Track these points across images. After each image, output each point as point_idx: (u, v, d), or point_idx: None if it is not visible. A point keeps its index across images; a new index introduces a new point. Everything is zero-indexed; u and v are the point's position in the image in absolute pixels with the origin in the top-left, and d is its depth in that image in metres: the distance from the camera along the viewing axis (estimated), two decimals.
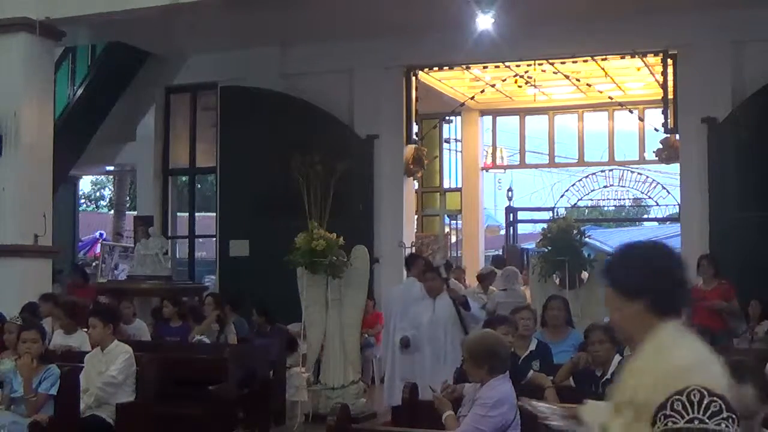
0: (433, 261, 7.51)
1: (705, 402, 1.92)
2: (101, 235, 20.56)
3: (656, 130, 11.90)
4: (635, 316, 2.40)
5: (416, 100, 12.34)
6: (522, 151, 15.37)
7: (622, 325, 2.47)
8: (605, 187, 14.70)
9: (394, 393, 7.09)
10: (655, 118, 12.69)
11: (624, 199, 15.23)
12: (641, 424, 2.25)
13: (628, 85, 13.42)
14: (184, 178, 15.23)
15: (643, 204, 16.81)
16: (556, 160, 15.59)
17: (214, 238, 12.96)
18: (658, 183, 14.57)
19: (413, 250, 11.64)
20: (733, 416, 1.90)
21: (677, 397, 1.98)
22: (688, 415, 1.93)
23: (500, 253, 16.06)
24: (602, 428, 2.59)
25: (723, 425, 1.87)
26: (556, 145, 15.22)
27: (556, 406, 3.12)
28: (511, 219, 16.69)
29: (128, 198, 20.52)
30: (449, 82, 13.68)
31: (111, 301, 9.52)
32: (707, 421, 1.89)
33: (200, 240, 15.80)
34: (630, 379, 2.38)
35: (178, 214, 14.70)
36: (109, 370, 6.20)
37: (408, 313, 7.39)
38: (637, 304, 2.39)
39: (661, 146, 11.56)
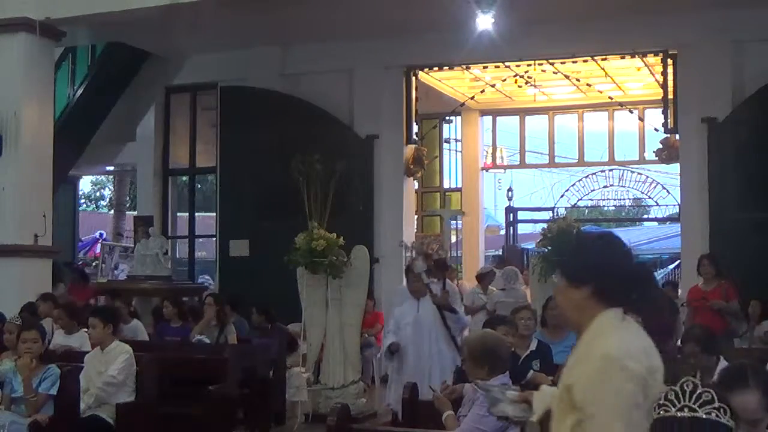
0: (413, 267, 7.35)
1: (697, 392, 1.94)
2: (101, 235, 20.58)
3: (656, 130, 11.90)
4: (580, 303, 2.44)
5: (416, 100, 12.34)
6: (522, 151, 15.37)
7: (567, 311, 2.52)
8: (605, 187, 14.71)
9: (392, 393, 7.09)
10: (655, 118, 12.70)
11: (624, 199, 15.24)
12: (574, 412, 2.29)
13: (628, 85, 13.42)
14: (184, 178, 15.24)
15: (643, 204, 16.84)
16: (556, 160, 15.59)
17: (214, 238, 12.96)
18: (658, 183, 14.59)
19: (413, 251, 11.62)
20: (725, 407, 1.91)
21: (672, 387, 2.00)
22: (679, 403, 1.95)
23: (501, 253, 16.06)
24: (543, 412, 2.62)
25: (714, 414, 1.89)
26: (556, 145, 15.22)
27: (512, 390, 3.14)
28: (511, 219, 16.70)
29: (128, 198, 20.54)
30: (449, 82, 13.68)
31: (108, 301, 9.54)
32: (698, 409, 1.92)
33: (200, 240, 15.81)
34: (570, 366, 2.43)
35: (178, 214, 14.71)
36: (109, 370, 6.20)
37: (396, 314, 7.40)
38: (582, 291, 2.43)
39: (661, 146, 11.56)
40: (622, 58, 11.94)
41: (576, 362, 2.40)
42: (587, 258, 2.48)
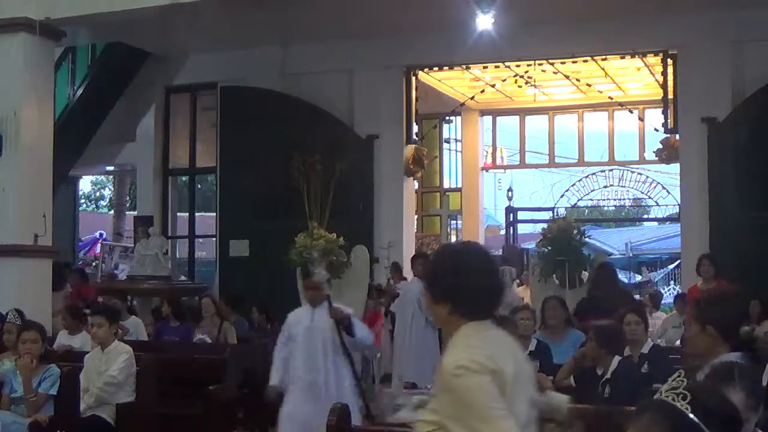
0: (315, 275, 6.24)
1: (677, 380, 1.97)
2: (101, 235, 20.58)
3: (656, 130, 11.91)
4: (444, 318, 2.47)
5: (416, 100, 12.34)
6: (522, 151, 15.38)
7: (440, 325, 2.59)
8: (605, 187, 14.70)
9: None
10: (655, 118, 12.71)
11: (624, 199, 15.24)
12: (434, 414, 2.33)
13: (628, 85, 13.43)
14: (184, 178, 15.23)
15: (643, 204, 16.84)
16: (556, 160, 15.60)
17: (214, 238, 12.96)
18: (658, 183, 14.59)
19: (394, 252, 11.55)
20: (686, 394, 1.93)
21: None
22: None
23: (501, 253, 16.06)
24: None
25: (671, 397, 1.92)
26: (556, 145, 15.23)
27: (419, 395, 3.13)
28: (511, 219, 16.70)
29: (128, 198, 20.53)
30: (449, 82, 13.69)
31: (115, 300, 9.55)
32: (663, 393, 1.95)
33: (200, 240, 15.81)
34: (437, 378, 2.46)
35: (178, 214, 14.70)
36: (109, 370, 6.21)
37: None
38: (444, 306, 2.46)
39: (661, 146, 11.57)
40: (622, 58, 11.95)
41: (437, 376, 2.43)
42: (442, 277, 2.49)
